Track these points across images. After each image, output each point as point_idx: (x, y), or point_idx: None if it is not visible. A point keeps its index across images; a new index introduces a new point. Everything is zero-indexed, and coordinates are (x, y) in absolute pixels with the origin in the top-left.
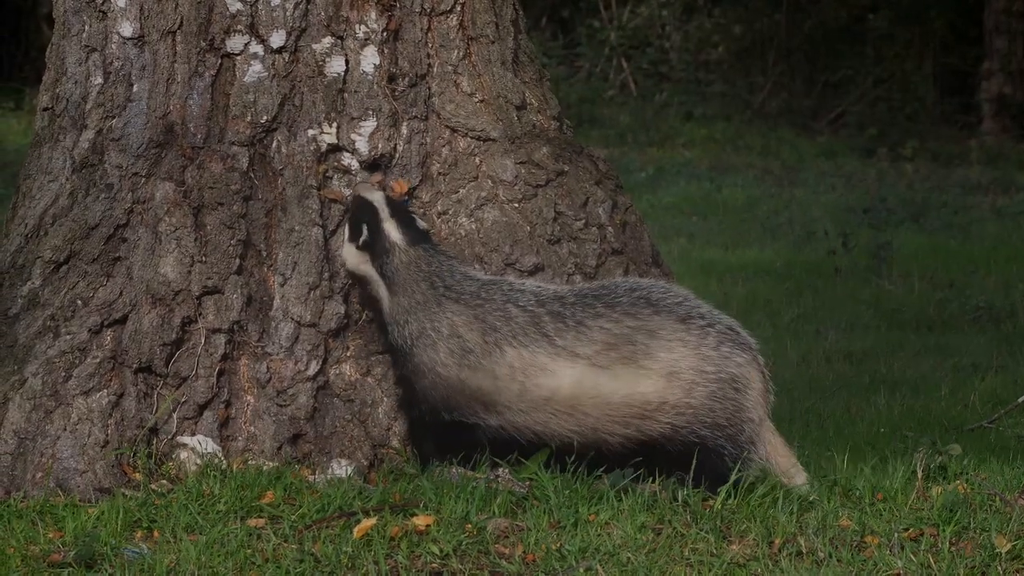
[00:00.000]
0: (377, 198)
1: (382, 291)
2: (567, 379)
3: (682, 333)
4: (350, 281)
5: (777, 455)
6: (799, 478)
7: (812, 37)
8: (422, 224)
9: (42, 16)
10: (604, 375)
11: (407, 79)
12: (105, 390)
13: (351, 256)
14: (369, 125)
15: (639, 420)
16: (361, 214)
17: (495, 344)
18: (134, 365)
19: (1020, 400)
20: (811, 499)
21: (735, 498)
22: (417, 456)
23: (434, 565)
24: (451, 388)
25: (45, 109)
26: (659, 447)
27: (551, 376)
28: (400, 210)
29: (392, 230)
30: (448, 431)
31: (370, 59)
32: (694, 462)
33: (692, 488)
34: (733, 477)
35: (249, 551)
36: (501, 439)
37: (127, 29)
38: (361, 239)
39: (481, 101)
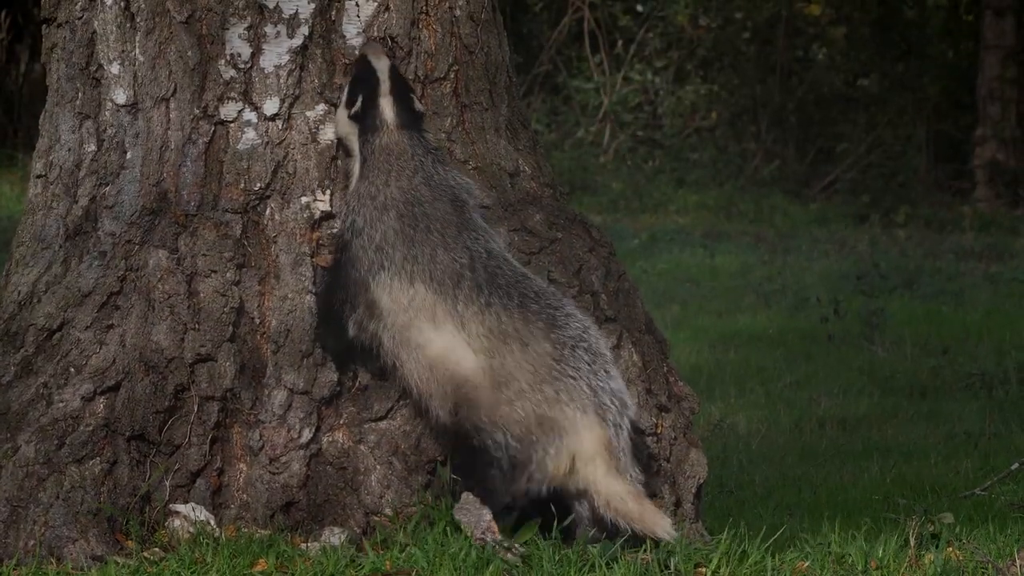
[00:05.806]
0: (382, 67)
1: (355, 168)
2: (440, 342)
3: (546, 356)
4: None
5: (629, 517)
6: (660, 530)
7: (804, 103)
8: (419, 106)
9: (33, 84)
10: (470, 355)
11: None
12: (98, 458)
13: (342, 122)
14: None
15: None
16: (361, 82)
17: (409, 275)
18: (127, 433)
19: (1013, 467)
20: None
21: (727, 567)
22: (323, 349)
23: None
24: (361, 288)
25: (38, 176)
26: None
27: (430, 332)
28: (401, 85)
29: (387, 107)
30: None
31: None
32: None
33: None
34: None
35: None
36: (377, 355)
37: (121, 96)
38: (353, 109)
39: (475, 168)
